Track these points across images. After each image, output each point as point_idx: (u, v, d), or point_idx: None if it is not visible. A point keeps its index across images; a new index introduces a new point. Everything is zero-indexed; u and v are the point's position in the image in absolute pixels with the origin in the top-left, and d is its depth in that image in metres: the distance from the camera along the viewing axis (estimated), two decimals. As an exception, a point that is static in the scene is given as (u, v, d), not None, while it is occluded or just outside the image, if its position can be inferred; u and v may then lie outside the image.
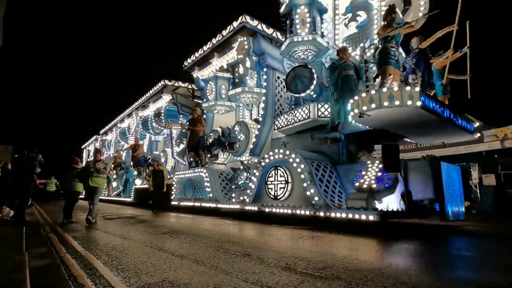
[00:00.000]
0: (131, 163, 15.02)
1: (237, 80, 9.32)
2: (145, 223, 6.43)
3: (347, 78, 6.14)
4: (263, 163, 6.68)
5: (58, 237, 4.69)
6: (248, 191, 6.91)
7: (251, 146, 8.47)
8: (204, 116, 10.78)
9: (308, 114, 6.97)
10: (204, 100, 10.89)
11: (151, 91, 16.03)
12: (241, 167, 7.92)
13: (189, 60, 12.23)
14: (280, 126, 7.87)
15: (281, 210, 5.93)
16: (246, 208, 6.82)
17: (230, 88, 9.64)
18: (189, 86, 14.21)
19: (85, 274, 2.55)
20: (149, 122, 15.18)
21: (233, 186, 7.89)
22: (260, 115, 9.71)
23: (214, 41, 10.81)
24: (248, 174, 7.22)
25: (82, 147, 30.90)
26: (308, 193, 5.52)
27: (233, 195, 7.59)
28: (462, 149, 11.75)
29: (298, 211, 5.59)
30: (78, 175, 7.23)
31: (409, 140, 7.06)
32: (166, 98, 14.89)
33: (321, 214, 5.20)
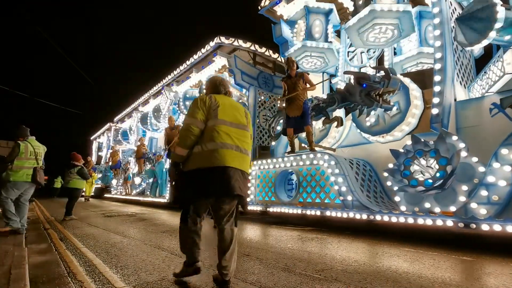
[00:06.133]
0: (163, 152, 11.95)
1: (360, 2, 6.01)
2: (145, 221, 6.44)
3: None
4: None
5: (58, 234, 4.71)
6: (485, 193, 3.66)
7: (436, 112, 4.67)
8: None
9: None
10: (290, 49, 7.62)
11: (195, 56, 11.28)
12: (408, 149, 4.45)
13: None
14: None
15: None
16: (494, 227, 3.34)
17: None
18: (251, 47, 10.40)
19: (85, 271, 2.56)
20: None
21: (388, 183, 4.64)
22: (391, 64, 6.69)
23: None
24: (440, 161, 4.04)
25: (91, 138, 26.94)
26: None
27: (397, 199, 4.50)
28: None
29: None
30: (78, 172, 7.26)
31: None
32: (219, 63, 10.51)
33: None
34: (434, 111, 4.69)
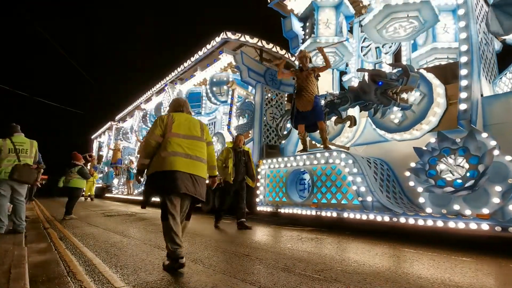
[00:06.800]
0: None
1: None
2: (145, 221, 6.44)
3: None
4: None
5: (57, 233, 4.72)
6: None
7: (464, 107, 4.37)
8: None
9: None
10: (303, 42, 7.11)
11: (200, 52, 10.75)
12: (434, 147, 4.05)
13: None
14: None
15: None
16: None
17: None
18: (259, 43, 9.86)
19: (84, 271, 2.56)
20: (203, 96, 10.60)
21: (411, 184, 4.19)
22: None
23: None
24: (471, 159, 3.68)
25: (92, 137, 26.42)
26: None
27: (421, 200, 4.09)
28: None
29: None
30: (79, 172, 7.26)
31: None
32: (225, 60, 10.04)
33: None
34: (462, 106, 4.38)
